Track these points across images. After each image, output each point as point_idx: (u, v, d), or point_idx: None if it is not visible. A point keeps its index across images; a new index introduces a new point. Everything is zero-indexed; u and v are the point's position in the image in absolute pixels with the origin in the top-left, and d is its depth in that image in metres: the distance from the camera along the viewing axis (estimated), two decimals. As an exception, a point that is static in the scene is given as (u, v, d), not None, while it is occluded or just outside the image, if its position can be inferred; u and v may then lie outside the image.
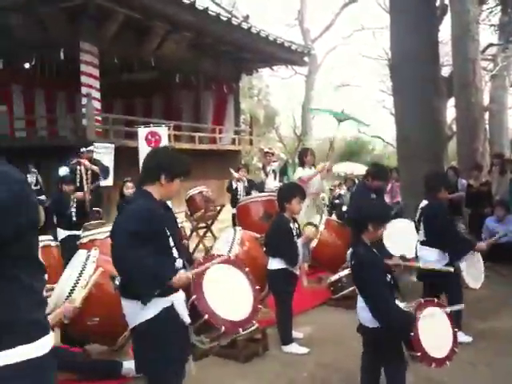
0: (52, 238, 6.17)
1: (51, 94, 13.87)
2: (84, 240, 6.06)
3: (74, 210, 6.96)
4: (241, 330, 3.14)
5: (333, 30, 29.01)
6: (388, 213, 3.77)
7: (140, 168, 3.04)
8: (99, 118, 10.74)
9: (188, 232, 8.47)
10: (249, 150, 16.40)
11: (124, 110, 15.11)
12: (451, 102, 14.58)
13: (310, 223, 5.37)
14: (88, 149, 7.89)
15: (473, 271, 4.96)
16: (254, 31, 12.58)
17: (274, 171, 9.77)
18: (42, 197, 8.80)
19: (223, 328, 3.02)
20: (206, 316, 2.96)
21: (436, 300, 3.58)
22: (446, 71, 15.78)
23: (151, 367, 2.88)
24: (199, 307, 2.98)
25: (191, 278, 2.89)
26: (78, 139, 9.37)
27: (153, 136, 10.01)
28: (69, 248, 5.96)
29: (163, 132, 10.19)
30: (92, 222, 7.32)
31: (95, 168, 7.86)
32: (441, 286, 4.66)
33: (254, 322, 3.21)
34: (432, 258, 4.78)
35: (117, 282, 4.02)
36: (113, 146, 9.77)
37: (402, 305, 3.37)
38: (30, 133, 12.24)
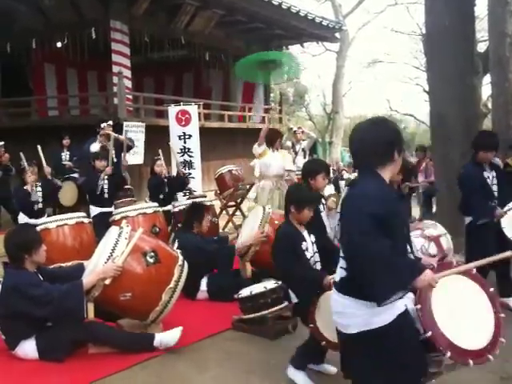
0: (85, 214, 6.28)
1: (83, 73, 13.99)
2: (116, 217, 6.20)
3: (106, 186, 6.88)
4: (471, 361, 2.34)
5: (365, 5, 28.42)
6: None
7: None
8: (130, 97, 10.82)
9: (217, 210, 8.53)
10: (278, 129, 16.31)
11: (154, 89, 15.17)
12: (487, 78, 14.18)
13: (332, 195, 5.36)
14: (108, 123, 8.25)
15: None
16: (284, 7, 12.41)
17: (303, 149, 9.74)
18: (76, 174, 8.94)
19: (448, 353, 2.30)
20: (430, 333, 2.32)
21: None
22: (482, 47, 15.32)
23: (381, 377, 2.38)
24: (421, 319, 2.36)
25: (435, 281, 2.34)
26: (110, 118, 9.46)
27: (183, 115, 10.06)
28: (101, 225, 6.06)
29: (193, 110, 10.23)
30: (123, 200, 7.44)
31: (121, 137, 7.94)
32: None
33: (490, 356, 2.37)
34: None
35: (148, 258, 4.09)
36: (143, 124, 9.86)
37: None
38: (62, 111, 12.40)
